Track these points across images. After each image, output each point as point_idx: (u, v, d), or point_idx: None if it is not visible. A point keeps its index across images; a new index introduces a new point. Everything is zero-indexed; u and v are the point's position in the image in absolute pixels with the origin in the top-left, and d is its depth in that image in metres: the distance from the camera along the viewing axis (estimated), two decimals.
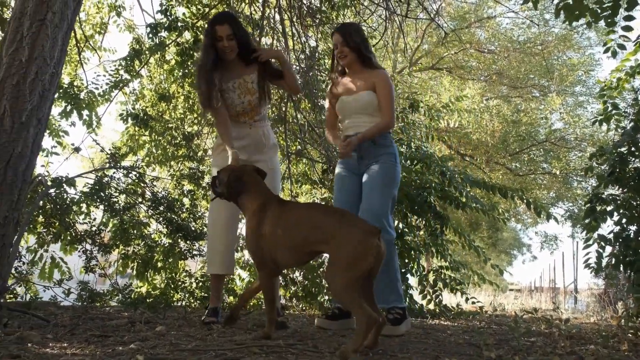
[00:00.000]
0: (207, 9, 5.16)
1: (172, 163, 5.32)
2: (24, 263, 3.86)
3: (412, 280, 4.83)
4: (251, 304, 4.20)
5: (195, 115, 5.58)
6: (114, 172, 4.38)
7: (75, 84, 4.98)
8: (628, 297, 4.55)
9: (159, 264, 4.34)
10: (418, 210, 4.74)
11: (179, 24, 4.96)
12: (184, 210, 4.53)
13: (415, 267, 4.69)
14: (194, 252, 4.38)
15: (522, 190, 5.05)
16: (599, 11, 3.06)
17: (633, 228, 3.37)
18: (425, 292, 4.74)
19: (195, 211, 4.62)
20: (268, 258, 2.37)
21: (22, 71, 2.44)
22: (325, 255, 3.45)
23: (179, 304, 4.13)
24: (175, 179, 4.99)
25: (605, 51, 3.54)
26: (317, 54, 5.51)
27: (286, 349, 2.11)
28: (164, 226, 4.37)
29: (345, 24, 3.38)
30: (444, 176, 4.81)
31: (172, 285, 4.21)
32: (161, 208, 4.36)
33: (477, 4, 13.35)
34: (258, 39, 5.04)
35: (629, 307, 3.82)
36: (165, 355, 1.88)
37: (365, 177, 3.00)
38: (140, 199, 4.44)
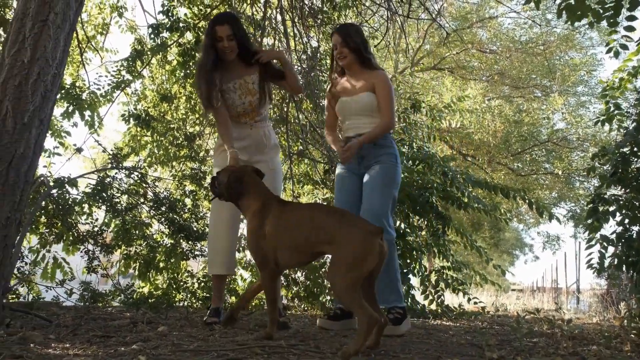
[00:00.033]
0: (208, 10, 5.17)
1: (174, 163, 5.32)
2: (26, 263, 3.88)
3: (414, 281, 4.83)
4: (253, 304, 4.20)
5: (197, 115, 5.59)
6: (116, 173, 4.40)
7: (77, 84, 4.98)
8: (630, 297, 4.54)
9: (161, 265, 4.35)
10: (420, 211, 4.74)
11: (181, 24, 4.96)
12: (186, 210, 4.54)
13: (417, 267, 4.68)
14: (196, 253, 4.39)
15: (524, 191, 5.04)
16: (601, 11, 3.05)
17: (635, 228, 3.35)
18: (427, 293, 4.74)
19: (197, 212, 4.62)
20: (269, 259, 2.37)
21: (25, 72, 2.44)
22: (328, 256, 3.44)
23: (181, 304, 4.14)
24: (177, 179, 5.00)
25: (608, 51, 3.53)
26: (318, 55, 5.52)
27: (288, 349, 2.11)
28: (166, 226, 4.38)
29: (345, 24, 3.36)
30: (445, 176, 4.81)
31: (174, 286, 4.22)
32: (163, 208, 4.38)
33: (479, 4, 13.32)
34: (260, 40, 5.04)
35: (631, 308, 3.81)
36: (167, 356, 1.88)
37: (365, 178, 2.99)
38: (142, 200, 4.45)
